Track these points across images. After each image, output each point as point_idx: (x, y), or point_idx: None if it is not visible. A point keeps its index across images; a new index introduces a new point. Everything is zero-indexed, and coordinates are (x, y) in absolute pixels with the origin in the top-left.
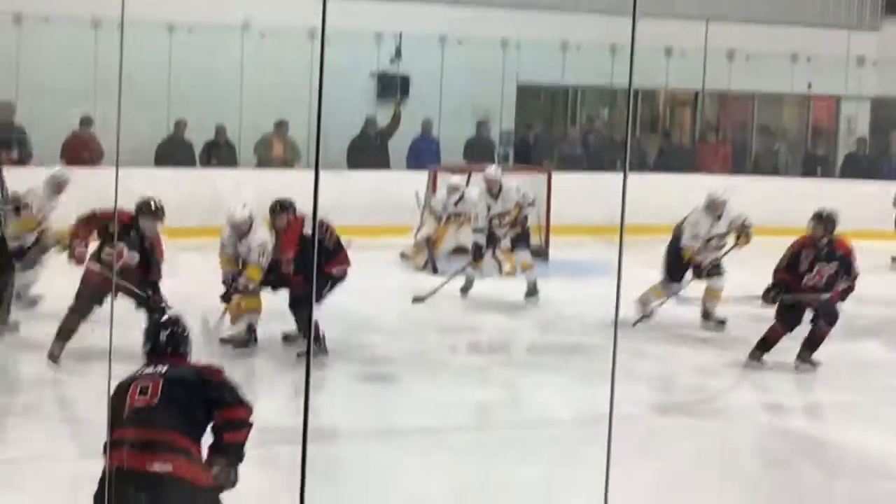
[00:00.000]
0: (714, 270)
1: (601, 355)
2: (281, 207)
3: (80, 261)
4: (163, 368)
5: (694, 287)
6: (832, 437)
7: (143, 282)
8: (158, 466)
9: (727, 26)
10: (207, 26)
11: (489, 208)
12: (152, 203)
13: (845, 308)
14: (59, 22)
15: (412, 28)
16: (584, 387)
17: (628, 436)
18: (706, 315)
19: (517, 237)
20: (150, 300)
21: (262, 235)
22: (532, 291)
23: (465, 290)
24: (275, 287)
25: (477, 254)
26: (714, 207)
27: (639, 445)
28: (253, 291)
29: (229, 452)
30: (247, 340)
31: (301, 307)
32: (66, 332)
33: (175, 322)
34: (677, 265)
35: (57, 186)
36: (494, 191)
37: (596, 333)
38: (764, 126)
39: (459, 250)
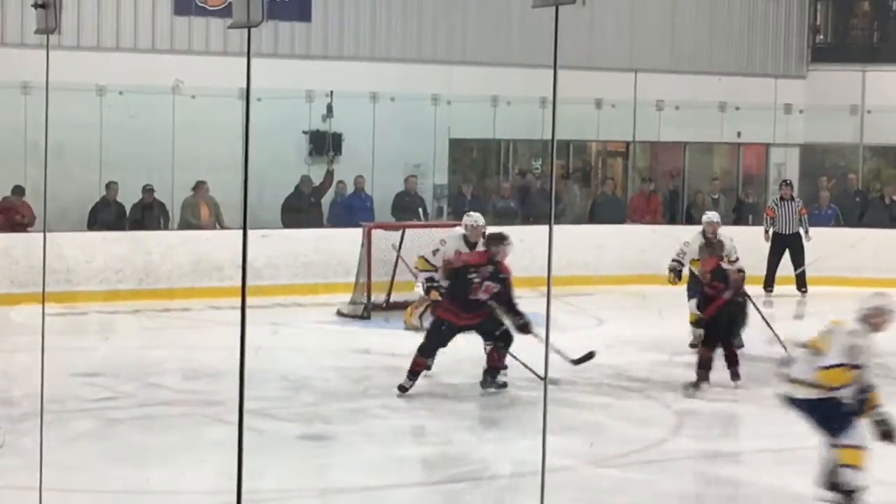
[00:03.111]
0: None
1: (539, 408)
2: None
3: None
4: None
5: None
6: (768, 484)
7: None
8: None
9: (655, 77)
10: (138, 88)
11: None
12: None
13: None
14: None
15: (343, 86)
16: (524, 440)
17: (564, 488)
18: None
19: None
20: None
21: None
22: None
23: None
24: None
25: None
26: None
27: (574, 498)
28: None
29: None
30: None
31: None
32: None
33: None
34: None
35: None
36: (709, 234)
37: (533, 387)
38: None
39: None
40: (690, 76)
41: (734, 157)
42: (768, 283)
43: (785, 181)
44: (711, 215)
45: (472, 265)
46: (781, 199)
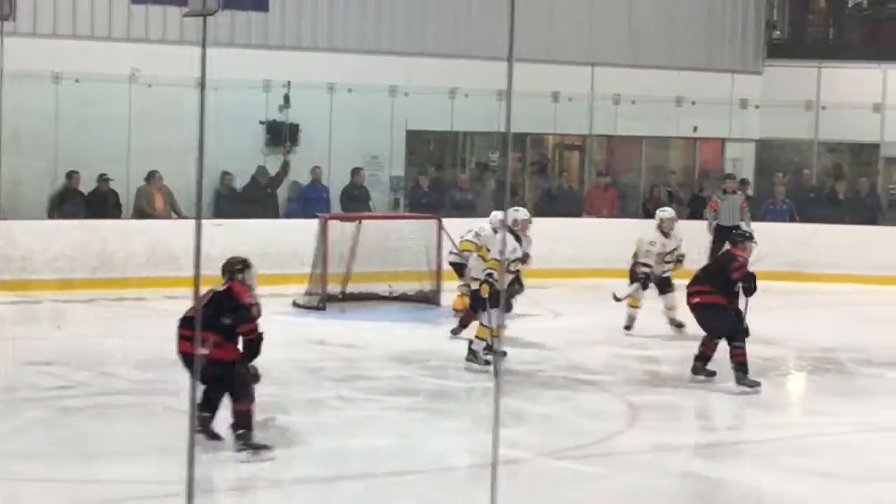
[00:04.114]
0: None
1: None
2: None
3: None
4: None
5: None
6: (723, 477)
7: None
8: None
9: (612, 71)
10: (94, 76)
11: (664, 245)
12: None
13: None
14: None
15: (300, 76)
16: (480, 431)
17: (518, 480)
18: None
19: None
20: None
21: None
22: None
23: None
24: None
25: (645, 284)
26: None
27: (528, 490)
28: None
29: None
30: None
31: None
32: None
33: None
34: None
35: None
36: (667, 230)
37: (488, 378)
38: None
39: None
40: (647, 70)
41: (690, 152)
42: None
43: (729, 175)
44: (668, 211)
45: None
46: (725, 192)
